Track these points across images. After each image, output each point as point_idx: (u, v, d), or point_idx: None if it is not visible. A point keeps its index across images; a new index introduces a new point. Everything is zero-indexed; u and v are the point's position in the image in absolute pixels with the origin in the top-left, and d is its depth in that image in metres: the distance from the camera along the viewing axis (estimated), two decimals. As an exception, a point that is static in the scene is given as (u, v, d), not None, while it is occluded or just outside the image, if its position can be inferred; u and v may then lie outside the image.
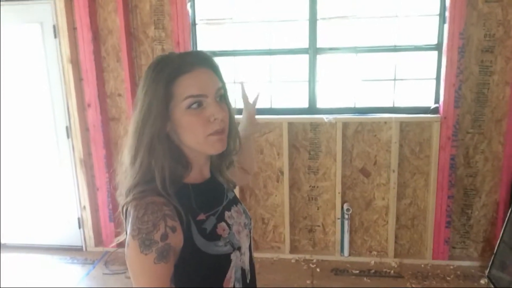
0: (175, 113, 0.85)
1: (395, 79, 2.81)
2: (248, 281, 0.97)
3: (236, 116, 0.97)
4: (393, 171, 2.78)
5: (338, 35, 2.81)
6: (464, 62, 2.58)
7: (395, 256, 2.91)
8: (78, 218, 3.17)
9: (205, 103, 0.86)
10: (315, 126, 2.85)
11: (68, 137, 3.04)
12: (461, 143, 2.70)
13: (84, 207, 3.13)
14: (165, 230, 0.80)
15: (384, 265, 2.87)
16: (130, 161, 0.88)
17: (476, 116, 2.67)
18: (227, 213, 0.95)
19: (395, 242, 2.90)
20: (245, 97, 1.21)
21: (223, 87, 0.91)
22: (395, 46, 2.75)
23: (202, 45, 2.90)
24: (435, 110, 2.74)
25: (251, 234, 1.02)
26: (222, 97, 0.90)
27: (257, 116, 1.23)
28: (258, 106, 1.23)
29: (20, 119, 3.08)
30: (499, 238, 2.53)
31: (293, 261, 2.97)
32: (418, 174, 2.83)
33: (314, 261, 2.95)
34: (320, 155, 2.89)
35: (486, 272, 2.60)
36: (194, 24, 2.89)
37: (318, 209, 2.98)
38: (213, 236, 0.88)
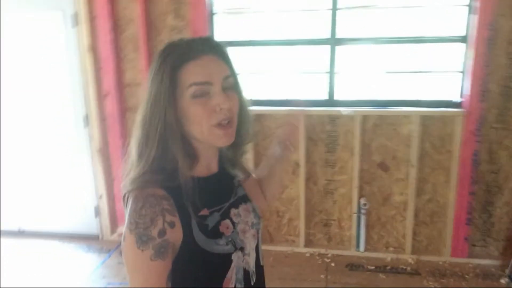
0: (181, 102, 0.82)
1: (417, 72, 2.73)
2: (252, 283, 0.92)
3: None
4: (413, 166, 2.72)
5: (359, 25, 2.74)
6: (491, 55, 2.49)
7: (413, 252, 2.85)
8: (95, 207, 3.20)
9: (211, 91, 0.82)
10: (333, 119, 2.80)
11: (85, 126, 3.06)
12: (485, 138, 2.62)
13: (101, 196, 3.16)
14: (163, 225, 0.77)
15: (400, 262, 2.82)
16: (136, 151, 0.85)
17: (502, 110, 2.57)
18: (233, 211, 0.91)
19: (413, 238, 2.85)
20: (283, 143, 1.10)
21: (233, 75, 0.87)
22: (419, 37, 2.67)
23: (221, 35, 2.87)
24: (458, 104, 2.66)
25: (260, 235, 0.97)
26: (231, 86, 0.85)
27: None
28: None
29: (40, 108, 3.11)
30: (522, 237, 2.46)
31: (307, 255, 2.94)
32: (439, 169, 2.76)
33: (329, 255, 2.91)
34: (337, 148, 2.84)
35: (507, 271, 2.53)
36: (212, 13, 2.86)
37: (334, 203, 2.94)
38: (215, 233, 0.84)
